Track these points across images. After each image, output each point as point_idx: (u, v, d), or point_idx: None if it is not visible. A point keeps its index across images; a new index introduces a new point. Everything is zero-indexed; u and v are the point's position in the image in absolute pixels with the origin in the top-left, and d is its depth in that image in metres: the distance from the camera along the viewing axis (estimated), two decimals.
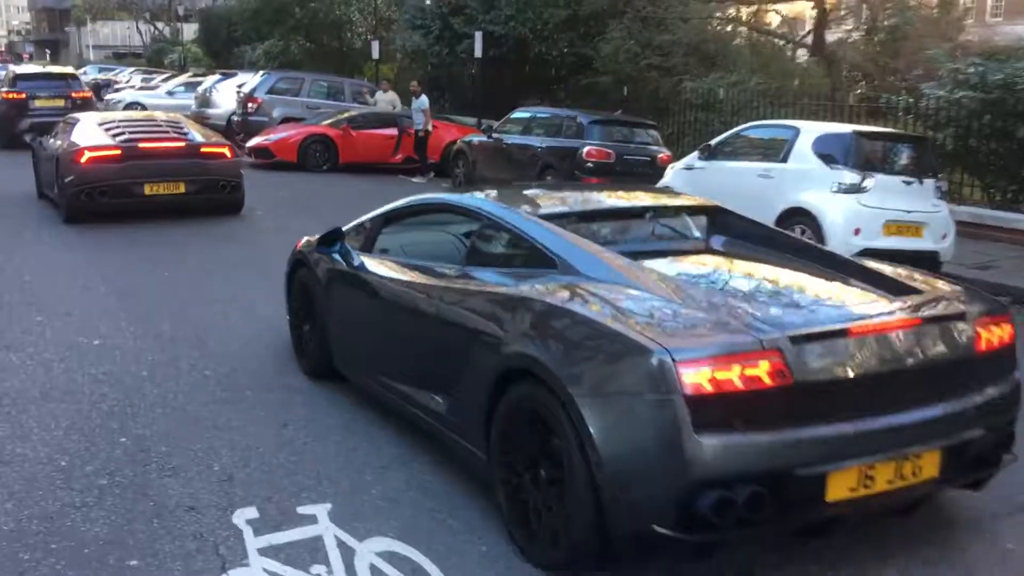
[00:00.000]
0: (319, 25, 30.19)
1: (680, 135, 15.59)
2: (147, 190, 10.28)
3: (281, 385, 5.21)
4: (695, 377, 2.80)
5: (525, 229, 3.93)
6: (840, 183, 8.44)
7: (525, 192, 5.13)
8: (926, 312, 3.37)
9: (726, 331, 3.00)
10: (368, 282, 4.62)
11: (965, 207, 10.84)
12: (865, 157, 8.68)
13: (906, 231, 8.54)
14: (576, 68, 19.80)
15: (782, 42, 19.24)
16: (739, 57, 17.39)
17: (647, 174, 12.25)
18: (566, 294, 3.40)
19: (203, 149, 10.82)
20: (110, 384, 5.14)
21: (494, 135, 14.39)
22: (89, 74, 39.07)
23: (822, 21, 15.89)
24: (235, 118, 19.55)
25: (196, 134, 11.26)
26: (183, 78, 29.23)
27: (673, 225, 4.51)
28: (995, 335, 3.42)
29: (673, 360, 2.81)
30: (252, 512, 3.66)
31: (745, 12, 18.60)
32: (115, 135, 10.64)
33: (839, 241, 8.34)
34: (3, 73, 22.99)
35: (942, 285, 3.78)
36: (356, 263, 4.78)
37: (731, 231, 4.46)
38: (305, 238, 5.53)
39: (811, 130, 9.02)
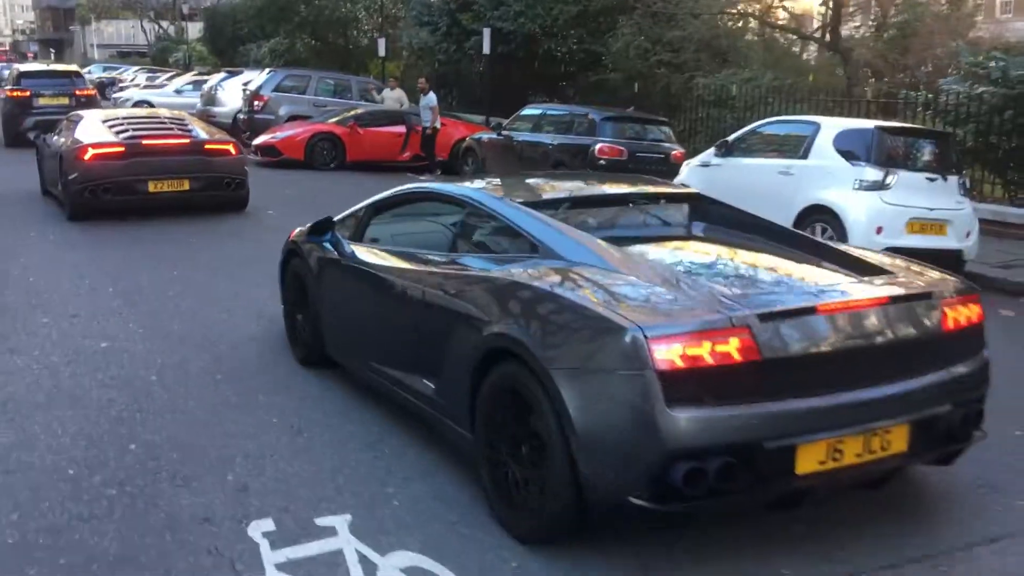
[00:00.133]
0: (324, 22, 30.05)
1: (692, 132, 15.41)
2: (151, 187, 10.18)
3: (293, 389, 5.04)
4: (667, 353, 2.91)
5: (508, 216, 4.05)
6: (862, 180, 8.24)
7: (510, 181, 5.31)
8: (893, 292, 3.47)
9: (697, 310, 3.11)
10: (358, 270, 4.73)
11: (986, 204, 10.64)
12: (887, 153, 8.47)
13: (929, 229, 8.34)
14: (585, 65, 19.62)
15: (793, 37, 19.03)
16: (751, 53, 17.20)
17: (660, 171, 12.06)
18: (546, 277, 3.51)
19: (207, 146, 10.72)
20: (118, 388, 4.97)
21: (504, 132, 14.21)
22: (93, 73, 39.03)
23: (838, 16, 15.65)
24: (241, 116, 19.38)
25: (200, 131, 11.17)
26: (189, 76, 29.08)
27: (655, 212, 4.62)
28: (962, 315, 3.54)
29: (645, 337, 2.92)
30: (268, 524, 3.48)
31: (756, 7, 18.38)
32: (119, 132, 10.53)
33: (861, 239, 8.13)
34: (7, 71, 22.88)
35: (912, 267, 3.92)
36: (347, 252, 4.90)
37: (711, 217, 4.57)
38: (298, 228, 5.57)
39: (832, 126, 8.82)
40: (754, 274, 3.79)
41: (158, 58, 47.16)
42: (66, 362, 5.39)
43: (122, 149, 10.13)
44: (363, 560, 3.25)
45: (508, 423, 3.45)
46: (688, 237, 4.45)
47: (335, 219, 5.18)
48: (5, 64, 57.68)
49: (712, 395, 2.97)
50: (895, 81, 15.67)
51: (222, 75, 23.16)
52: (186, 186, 10.35)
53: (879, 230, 8.13)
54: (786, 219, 8.55)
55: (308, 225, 5.29)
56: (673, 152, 12.63)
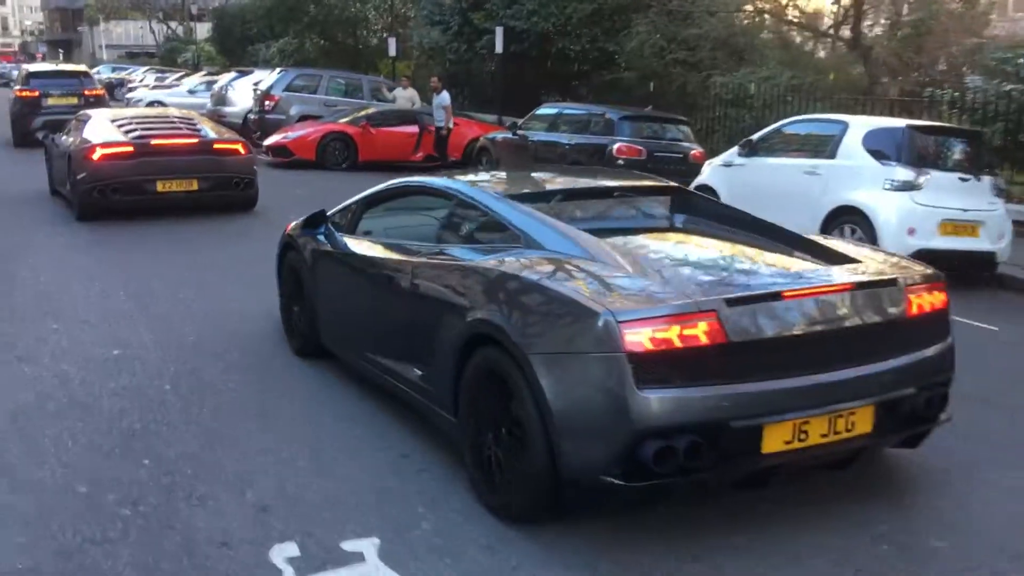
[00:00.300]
0: (334, 22, 29.85)
1: (709, 131, 15.16)
2: (160, 187, 10.09)
3: (312, 399, 4.83)
4: (637, 336, 3.04)
5: (493, 208, 4.19)
6: (893, 180, 8.00)
7: (498, 175, 5.50)
8: (858, 278, 3.58)
9: (667, 296, 3.23)
10: (351, 261, 4.88)
11: (1014, 205, 10.35)
12: (919, 153, 8.23)
13: (962, 231, 8.10)
14: (598, 64, 19.37)
15: (808, 35, 18.75)
16: (767, 51, 16.94)
17: (679, 171, 11.83)
18: (525, 266, 3.63)
19: (216, 145, 10.62)
20: (131, 398, 4.77)
21: (519, 132, 13.99)
22: (102, 73, 38.89)
23: (859, 14, 15.38)
24: (252, 116, 19.19)
25: (209, 130, 11.07)
26: (198, 77, 28.93)
27: (637, 204, 4.76)
28: (927, 301, 3.65)
29: (617, 321, 3.05)
30: (292, 548, 3.28)
31: (772, 4, 18.10)
32: (127, 132, 10.43)
33: (892, 241, 7.90)
34: (16, 72, 22.79)
35: (880, 256, 4.10)
36: (340, 244, 5.05)
37: (691, 210, 4.71)
38: (294, 222, 5.64)
39: (861, 125, 8.57)
40: (726, 262, 3.92)
41: (166, 59, 47.04)
42: (76, 370, 5.20)
43: (131, 149, 10.03)
44: None
45: (489, 406, 3.57)
46: (667, 228, 4.59)
47: (329, 213, 5.31)
48: (14, 65, 57.83)
49: (681, 376, 3.10)
50: (910, 79, 15.41)
51: (232, 75, 22.95)
52: (195, 186, 10.26)
53: (911, 231, 7.89)
54: (813, 220, 8.33)
55: (302, 218, 5.41)
56: (692, 152, 12.39)
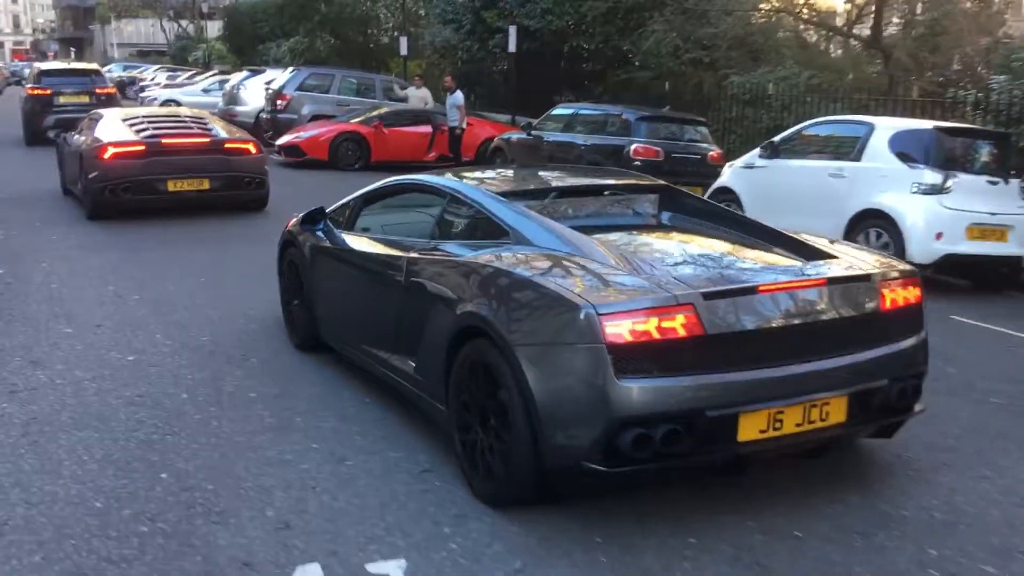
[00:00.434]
0: (345, 21, 29.75)
1: (725, 132, 14.97)
2: (171, 186, 10.06)
3: (333, 408, 4.70)
4: (617, 328, 3.16)
5: (484, 204, 4.31)
6: (920, 183, 7.84)
7: (491, 173, 5.70)
8: (832, 273, 3.69)
9: (647, 289, 3.33)
10: (349, 257, 5.02)
11: None
12: (946, 155, 8.08)
13: (990, 235, 7.95)
14: (613, 63, 19.19)
15: (826, 33, 18.54)
16: (784, 50, 16.74)
17: (697, 172, 11.68)
18: (513, 260, 3.76)
19: (227, 145, 10.58)
20: (147, 408, 4.65)
21: (533, 132, 13.85)
22: (114, 72, 38.92)
23: (880, 13, 15.17)
24: (263, 115, 19.11)
25: (220, 130, 11.05)
26: (209, 75, 28.86)
27: (625, 202, 4.86)
28: (900, 296, 3.76)
29: (597, 314, 3.17)
30: (315, 570, 3.15)
31: (788, 2, 17.90)
32: (139, 131, 10.40)
33: (919, 245, 7.77)
34: (28, 70, 22.78)
35: (858, 253, 4.16)
36: (338, 240, 5.19)
37: (677, 207, 4.81)
38: (294, 219, 5.73)
39: (887, 126, 8.40)
40: (705, 258, 3.98)
41: (177, 57, 47.09)
42: (91, 377, 5.09)
43: (142, 148, 10.00)
44: None
45: (478, 396, 3.68)
46: (653, 225, 4.69)
47: (328, 210, 5.47)
48: (26, 63, 57.96)
49: (659, 367, 3.21)
50: (924, 78, 15.21)
51: (244, 74, 22.85)
52: (206, 185, 10.23)
53: (939, 236, 7.74)
54: (837, 224, 8.18)
55: (302, 215, 5.53)
56: (710, 153, 12.22)
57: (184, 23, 52.97)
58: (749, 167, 9.55)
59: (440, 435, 4.23)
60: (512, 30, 18.70)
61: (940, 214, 7.77)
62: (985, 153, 8.36)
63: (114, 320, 6.24)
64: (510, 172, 5.93)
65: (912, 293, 3.82)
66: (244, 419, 4.54)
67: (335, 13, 29.36)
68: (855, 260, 3.95)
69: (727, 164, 10.32)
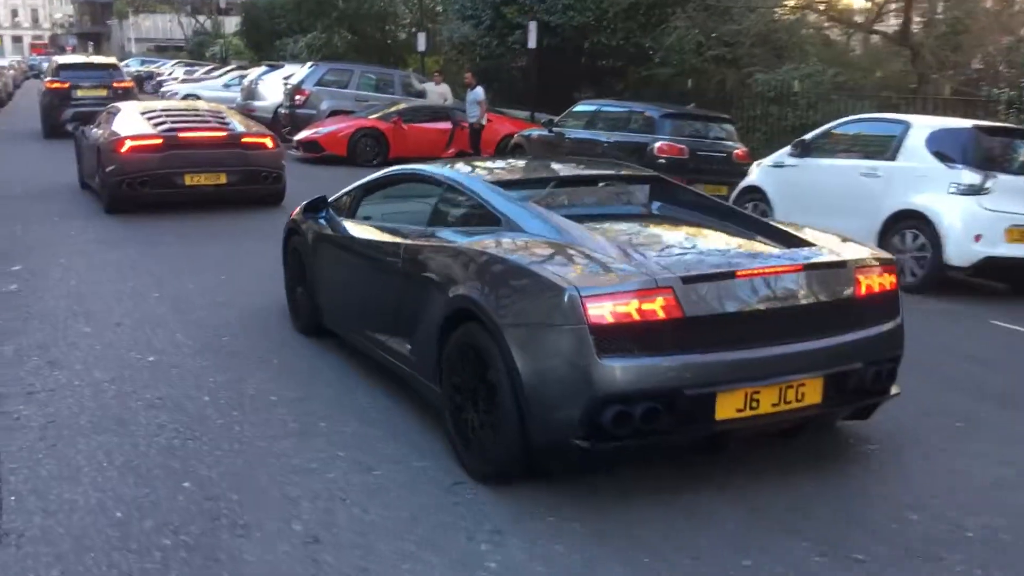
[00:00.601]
0: (363, 17, 29.59)
1: (750, 130, 14.74)
2: (188, 180, 9.98)
3: (357, 413, 4.54)
4: (599, 310, 3.31)
5: (478, 192, 4.47)
6: (959, 184, 7.61)
7: (489, 163, 5.94)
8: (809, 260, 3.81)
9: (629, 273, 3.47)
10: (350, 244, 5.15)
11: None
12: (985, 155, 7.84)
13: None
14: (634, 60, 18.96)
15: (851, 30, 18.26)
16: (808, 47, 16.48)
17: (723, 170, 11.47)
18: (503, 245, 3.90)
19: (244, 139, 10.51)
20: (168, 411, 4.50)
21: (554, 129, 13.66)
22: (131, 66, 38.92)
23: (909, 10, 14.90)
24: (282, 111, 18.97)
25: (237, 124, 10.97)
26: (228, 70, 28.79)
27: (617, 191, 4.98)
28: (875, 282, 3.88)
29: (580, 296, 3.32)
30: None
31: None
32: (156, 124, 10.32)
33: (957, 248, 7.55)
34: (47, 64, 22.79)
35: (836, 240, 4.21)
36: (340, 228, 5.32)
37: (667, 197, 4.95)
38: (298, 208, 5.84)
39: (924, 125, 8.16)
40: (689, 244, 4.11)
41: (195, 52, 47.09)
42: (110, 379, 4.95)
43: (159, 142, 9.91)
44: None
45: (468, 376, 3.81)
46: (643, 214, 4.81)
47: (330, 199, 5.58)
48: (44, 57, 58.20)
49: (639, 347, 3.35)
50: (946, 75, 14.96)
51: (262, 69, 22.75)
52: (223, 179, 10.15)
53: (977, 238, 7.51)
54: (871, 225, 7.96)
55: (305, 203, 5.67)
56: (736, 151, 12.00)
57: (202, 18, 53.01)
58: (779, 166, 9.32)
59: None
60: (532, 26, 18.51)
61: (979, 215, 7.54)
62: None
63: (133, 318, 6.11)
64: (507, 163, 6.20)
65: (888, 280, 3.93)
66: (267, 423, 4.39)
67: (353, 9, 29.19)
68: (833, 247, 4.07)
69: (755, 163, 10.10)
